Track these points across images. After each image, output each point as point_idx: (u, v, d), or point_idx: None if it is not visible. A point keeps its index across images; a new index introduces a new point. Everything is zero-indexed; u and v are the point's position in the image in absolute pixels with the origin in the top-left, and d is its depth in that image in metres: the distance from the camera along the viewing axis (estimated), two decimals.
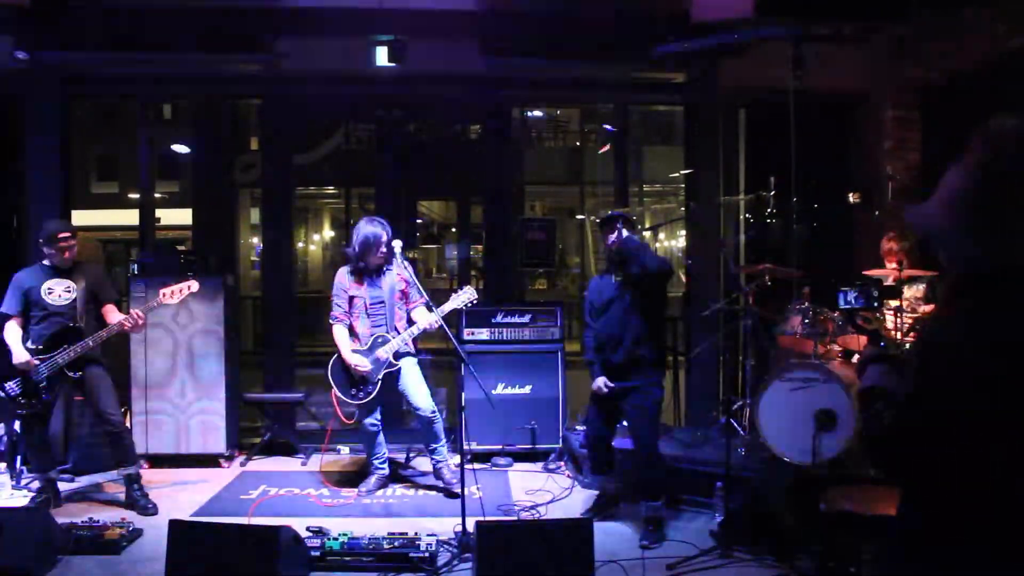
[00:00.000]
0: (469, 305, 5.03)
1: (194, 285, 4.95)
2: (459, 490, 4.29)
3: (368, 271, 5.08)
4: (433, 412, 5.10)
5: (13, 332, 4.79)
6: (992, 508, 1.61)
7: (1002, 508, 1.60)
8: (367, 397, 5.02)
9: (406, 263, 4.90)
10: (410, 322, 5.12)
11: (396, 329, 5.05)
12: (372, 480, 5.24)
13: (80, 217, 5.90)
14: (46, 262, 4.90)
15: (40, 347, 4.74)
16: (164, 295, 4.89)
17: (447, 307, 4.94)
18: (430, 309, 4.99)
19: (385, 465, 5.32)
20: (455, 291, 5.04)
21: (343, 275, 5.15)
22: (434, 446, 5.19)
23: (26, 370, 4.68)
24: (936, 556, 1.68)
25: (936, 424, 1.66)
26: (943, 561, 1.67)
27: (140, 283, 5.79)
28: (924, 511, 1.71)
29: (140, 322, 4.81)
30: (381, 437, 5.25)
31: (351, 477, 5.54)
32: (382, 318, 5.05)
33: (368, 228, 5.02)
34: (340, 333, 5.11)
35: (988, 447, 1.59)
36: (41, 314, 4.82)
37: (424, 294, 4.94)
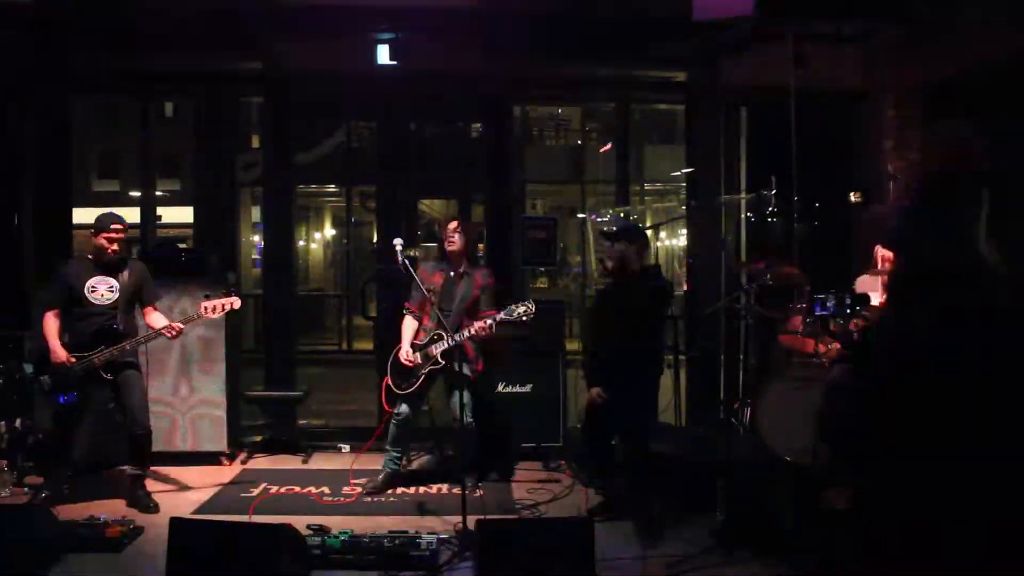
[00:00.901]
0: (524, 319, 4.82)
1: (236, 302, 4.91)
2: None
3: (449, 267, 5.11)
4: (464, 422, 4.93)
5: (52, 327, 4.74)
6: (945, 496, 1.67)
7: (954, 496, 1.69)
8: (408, 389, 5.02)
9: (407, 261, 4.85)
10: None
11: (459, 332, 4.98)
12: (380, 478, 5.18)
13: (81, 215, 5.89)
14: (90, 256, 4.84)
15: (79, 344, 4.72)
16: (206, 309, 4.83)
17: (499, 317, 4.82)
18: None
19: (398, 465, 5.27)
20: (514, 303, 4.90)
21: (424, 267, 5.21)
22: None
23: (62, 367, 4.66)
24: (888, 545, 1.71)
25: (890, 413, 1.76)
26: (896, 550, 1.70)
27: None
28: (880, 501, 1.76)
29: (179, 333, 4.83)
30: (407, 434, 5.24)
31: (367, 474, 5.46)
32: (446, 319, 4.99)
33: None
34: (405, 324, 5.19)
35: (937, 433, 1.69)
36: (82, 311, 4.75)
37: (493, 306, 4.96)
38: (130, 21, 5.87)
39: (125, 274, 4.86)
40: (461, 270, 5.13)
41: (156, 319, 4.92)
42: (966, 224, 1.71)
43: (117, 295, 4.80)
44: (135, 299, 4.91)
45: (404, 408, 5.12)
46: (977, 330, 1.66)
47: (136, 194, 8.83)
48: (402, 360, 5.04)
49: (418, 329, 5.17)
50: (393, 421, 5.20)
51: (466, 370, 4.99)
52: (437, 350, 4.96)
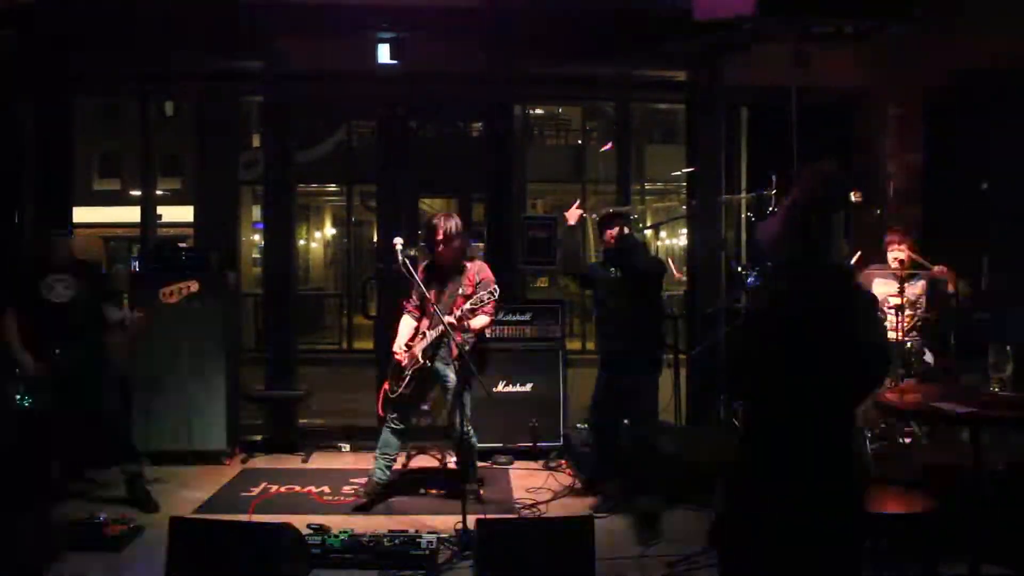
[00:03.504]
0: (487, 300, 4.62)
1: (193, 285, 4.92)
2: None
3: (441, 268, 4.87)
4: (458, 431, 4.76)
5: (13, 327, 4.75)
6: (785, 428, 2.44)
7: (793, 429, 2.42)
8: (397, 391, 4.82)
9: (407, 260, 4.80)
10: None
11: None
12: (368, 486, 4.98)
13: (82, 214, 5.91)
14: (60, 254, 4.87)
15: (37, 342, 4.71)
16: (163, 294, 4.87)
17: (466, 307, 4.62)
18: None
19: (387, 474, 5.01)
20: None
21: (421, 266, 4.97)
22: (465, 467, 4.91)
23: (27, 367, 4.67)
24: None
25: (750, 359, 2.54)
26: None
27: (142, 280, 5.82)
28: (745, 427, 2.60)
29: (140, 322, 4.87)
30: (396, 440, 4.95)
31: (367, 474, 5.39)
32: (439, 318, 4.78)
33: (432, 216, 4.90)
34: (403, 322, 4.97)
35: (781, 385, 2.44)
36: (40, 309, 4.77)
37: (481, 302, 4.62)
38: (130, 21, 5.87)
39: (79, 271, 4.90)
40: (454, 267, 4.85)
41: (114, 313, 4.93)
42: (822, 236, 2.49)
43: (72, 291, 4.83)
44: (92, 295, 4.92)
45: (394, 415, 4.89)
46: (816, 298, 2.44)
47: (136, 193, 8.84)
48: (395, 355, 4.85)
49: (415, 330, 4.94)
50: (386, 426, 4.96)
51: (450, 371, 4.83)
52: (419, 349, 4.77)
